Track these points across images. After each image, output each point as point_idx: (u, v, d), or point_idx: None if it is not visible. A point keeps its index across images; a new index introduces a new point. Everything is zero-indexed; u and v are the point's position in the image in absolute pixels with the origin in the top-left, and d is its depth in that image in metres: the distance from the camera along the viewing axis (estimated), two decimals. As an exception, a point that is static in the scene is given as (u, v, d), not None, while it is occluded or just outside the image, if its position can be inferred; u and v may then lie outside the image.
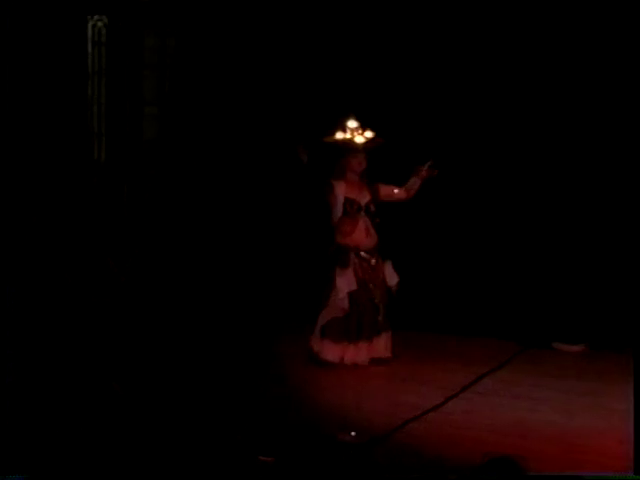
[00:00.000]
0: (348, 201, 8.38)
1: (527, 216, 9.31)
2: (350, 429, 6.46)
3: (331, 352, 8.36)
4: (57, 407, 6.61)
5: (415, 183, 8.40)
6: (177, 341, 8.87)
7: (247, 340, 9.12)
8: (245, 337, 9.21)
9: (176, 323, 9.36)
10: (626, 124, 8.71)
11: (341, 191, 8.38)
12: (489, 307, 9.25)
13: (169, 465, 5.69)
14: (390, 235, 8.56)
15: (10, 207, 8.90)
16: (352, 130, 8.35)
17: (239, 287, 10.01)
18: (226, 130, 10.38)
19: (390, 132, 8.57)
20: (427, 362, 8.48)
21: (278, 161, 9.74)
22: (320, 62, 9.83)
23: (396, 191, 8.47)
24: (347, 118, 8.36)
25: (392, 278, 8.46)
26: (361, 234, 8.41)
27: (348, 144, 8.35)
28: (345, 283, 8.31)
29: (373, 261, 8.43)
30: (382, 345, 8.44)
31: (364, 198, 8.42)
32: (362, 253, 8.40)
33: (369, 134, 8.38)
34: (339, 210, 8.39)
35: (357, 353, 8.38)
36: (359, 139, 8.34)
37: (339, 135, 8.38)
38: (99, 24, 10.34)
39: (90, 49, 10.39)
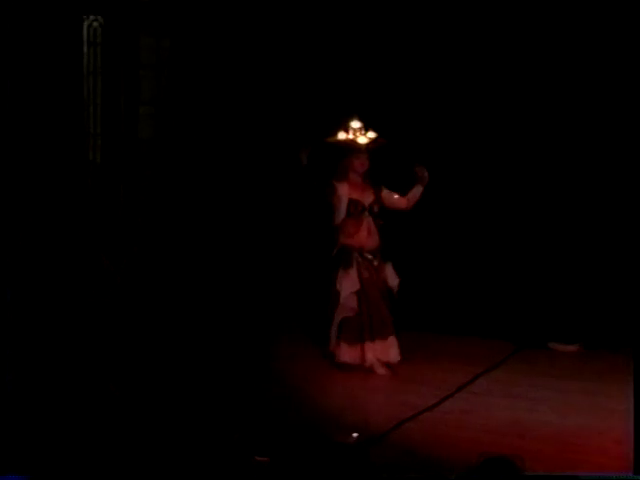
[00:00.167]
0: (352, 202, 8.36)
1: (521, 216, 9.32)
2: (347, 429, 6.46)
3: (347, 354, 8.32)
4: (53, 408, 6.60)
5: (417, 192, 8.35)
6: (174, 341, 8.87)
7: (246, 340, 9.11)
8: (244, 337, 9.20)
9: (173, 323, 9.35)
10: (626, 124, 8.71)
11: (344, 192, 8.36)
12: (485, 307, 9.26)
13: (165, 465, 5.68)
14: (387, 237, 8.55)
15: (5, 208, 8.88)
16: (355, 130, 8.32)
17: (237, 287, 10.00)
18: (223, 130, 10.37)
19: (392, 132, 8.56)
20: (423, 362, 8.48)
21: (276, 161, 9.74)
22: (321, 61, 9.82)
23: (396, 197, 8.44)
24: (350, 118, 8.33)
25: (393, 279, 8.45)
26: (365, 235, 8.39)
27: (351, 144, 8.33)
28: (349, 283, 8.29)
29: (375, 262, 8.42)
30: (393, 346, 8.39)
31: (368, 199, 8.41)
32: (365, 254, 8.39)
33: (372, 134, 8.35)
34: (343, 211, 8.37)
35: (374, 352, 8.31)
36: (362, 139, 8.31)
37: (341, 135, 8.35)
38: (95, 24, 10.32)
39: (86, 49, 10.37)
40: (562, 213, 9.19)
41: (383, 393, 8.03)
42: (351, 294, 8.29)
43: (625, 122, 8.72)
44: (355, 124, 8.32)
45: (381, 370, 8.29)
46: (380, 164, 8.48)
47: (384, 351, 8.33)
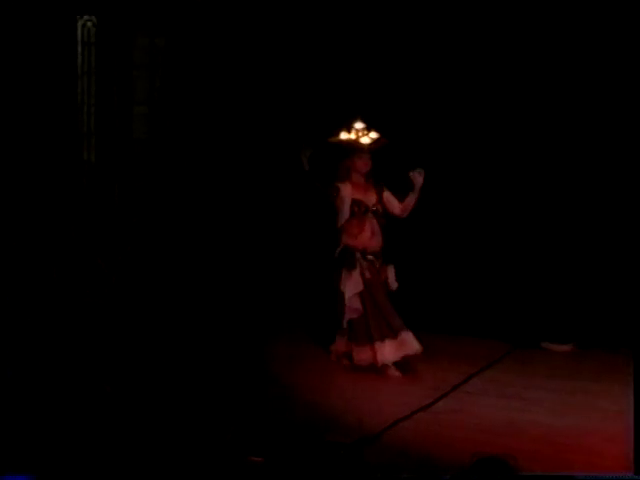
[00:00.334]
0: (355, 202, 8.32)
1: (515, 217, 9.33)
2: (341, 429, 6.46)
3: (358, 355, 8.31)
4: (48, 408, 6.59)
5: (411, 200, 8.29)
6: (169, 341, 8.86)
7: (242, 340, 9.11)
8: (240, 337, 9.19)
9: (168, 323, 9.35)
10: (625, 125, 8.71)
11: (347, 193, 8.32)
12: (478, 307, 9.27)
13: (160, 465, 5.68)
14: (385, 238, 8.55)
15: None
16: (357, 131, 8.29)
17: (234, 287, 10.00)
18: (217, 130, 10.37)
19: (395, 133, 8.55)
20: (417, 362, 8.48)
21: (275, 161, 9.73)
22: (321, 61, 9.80)
23: (394, 202, 8.40)
24: (353, 119, 8.31)
25: (392, 283, 8.41)
26: (368, 235, 8.35)
27: (354, 145, 8.30)
28: (352, 284, 8.27)
29: (378, 264, 8.40)
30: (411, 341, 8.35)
31: (371, 199, 8.37)
32: (368, 256, 8.35)
33: (374, 135, 8.33)
34: (346, 212, 8.33)
35: (386, 354, 8.26)
36: (364, 140, 8.28)
37: (344, 135, 8.32)
38: (88, 24, 10.31)
39: (80, 49, 10.36)
40: (556, 214, 9.20)
41: (378, 393, 8.02)
42: (354, 295, 8.28)
43: (625, 122, 8.72)
44: (358, 124, 8.30)
45: (393, 372, 8.27)
46: (382, 164, 8.47)
47: (399, 349, 8.27)
